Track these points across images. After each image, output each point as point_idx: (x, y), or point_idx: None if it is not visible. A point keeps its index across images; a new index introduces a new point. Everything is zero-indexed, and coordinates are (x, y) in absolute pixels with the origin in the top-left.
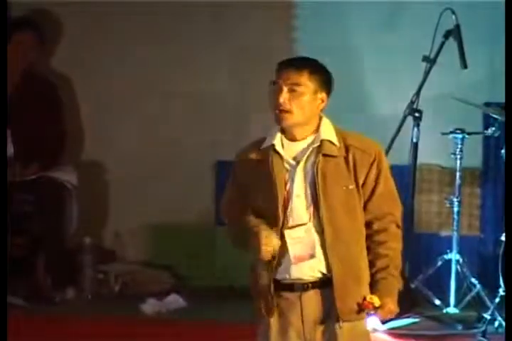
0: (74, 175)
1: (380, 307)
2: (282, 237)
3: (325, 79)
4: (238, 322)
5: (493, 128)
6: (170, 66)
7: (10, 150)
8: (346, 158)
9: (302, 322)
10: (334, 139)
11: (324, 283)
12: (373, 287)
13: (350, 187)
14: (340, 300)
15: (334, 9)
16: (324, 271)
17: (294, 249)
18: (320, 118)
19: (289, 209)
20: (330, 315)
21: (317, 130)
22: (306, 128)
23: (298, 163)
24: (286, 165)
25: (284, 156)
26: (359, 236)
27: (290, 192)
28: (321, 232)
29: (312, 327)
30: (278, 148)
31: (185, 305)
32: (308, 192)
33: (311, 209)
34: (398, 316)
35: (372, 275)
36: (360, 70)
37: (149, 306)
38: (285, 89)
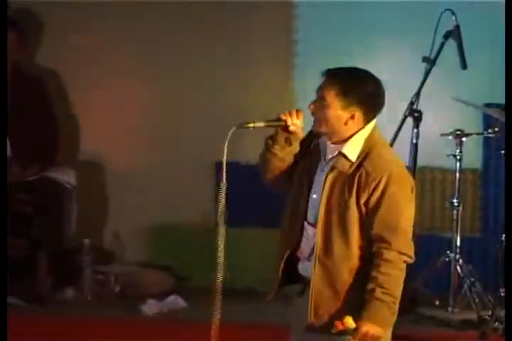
0: (72, 176)
1: (356, 329)
2: (303, 228)
3: (359, 98)
4: (238, 323)
5: (494, 129)
6: (166, 65)
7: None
8: (353, 177)
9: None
10: (352, 155)
11: None
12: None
13: (350, 205)
14: (311, 309)
15: (334, 10)
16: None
17: (303, 243)
18: (357, 131)
19: (310, 204)
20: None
21: (346, 141)
22: (336, 136)
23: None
24: (319, 161)
25: (322, 152)
26: (349, 254)
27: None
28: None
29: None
30: (321, 143)
31: (185, 306)
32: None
33: (318, 214)
34: None
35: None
36: None
37: (149, 307)
38: (316, 97)
